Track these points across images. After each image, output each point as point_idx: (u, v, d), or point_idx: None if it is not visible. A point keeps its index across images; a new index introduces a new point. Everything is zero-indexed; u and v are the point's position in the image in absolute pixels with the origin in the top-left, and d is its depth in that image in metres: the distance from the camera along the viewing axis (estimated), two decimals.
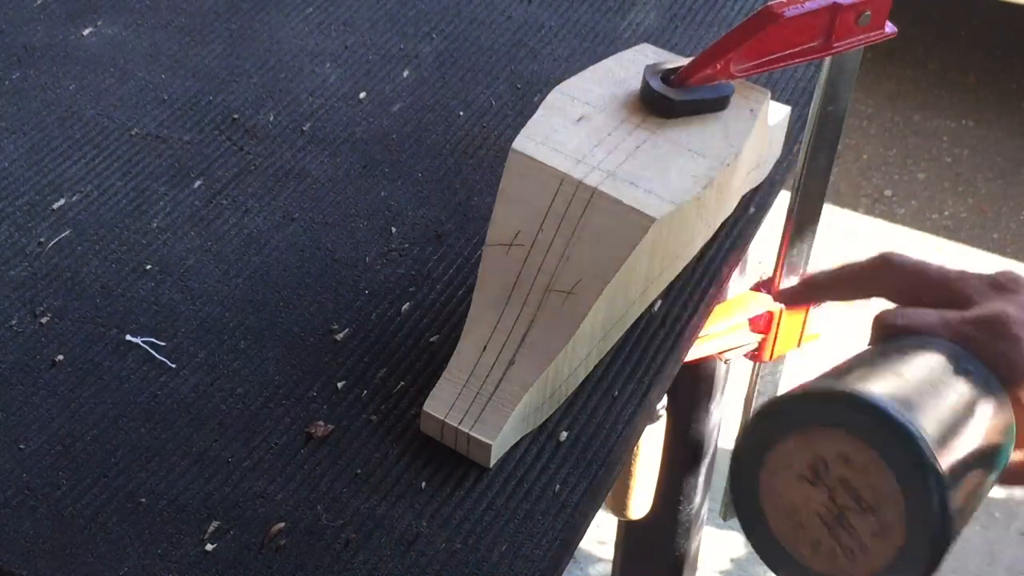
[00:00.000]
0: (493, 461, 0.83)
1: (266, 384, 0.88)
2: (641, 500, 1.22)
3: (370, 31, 1.20)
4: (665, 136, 0.91)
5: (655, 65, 0.95)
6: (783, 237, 1.08)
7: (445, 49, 1.18)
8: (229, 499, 0.81)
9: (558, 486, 0.82)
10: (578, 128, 0.91)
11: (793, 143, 1.07)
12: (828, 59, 0.95)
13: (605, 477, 0.84)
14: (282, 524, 0.80)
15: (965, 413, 0.64)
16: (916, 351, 0.67)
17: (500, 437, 0.82)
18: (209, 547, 0.78)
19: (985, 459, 0.65)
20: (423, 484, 0.82)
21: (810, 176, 1.03)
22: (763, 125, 0.97)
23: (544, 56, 1.18)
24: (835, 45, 0.91)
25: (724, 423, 1.46)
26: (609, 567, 2.01)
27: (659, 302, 0.94)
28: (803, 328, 1.17)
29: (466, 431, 0.82)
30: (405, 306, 0.94)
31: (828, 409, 0.62)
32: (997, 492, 2.18)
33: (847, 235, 2.71)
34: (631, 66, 0.97)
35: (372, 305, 0.94)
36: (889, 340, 0.69)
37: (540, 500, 0.82)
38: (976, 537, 2.11)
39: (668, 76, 0.94)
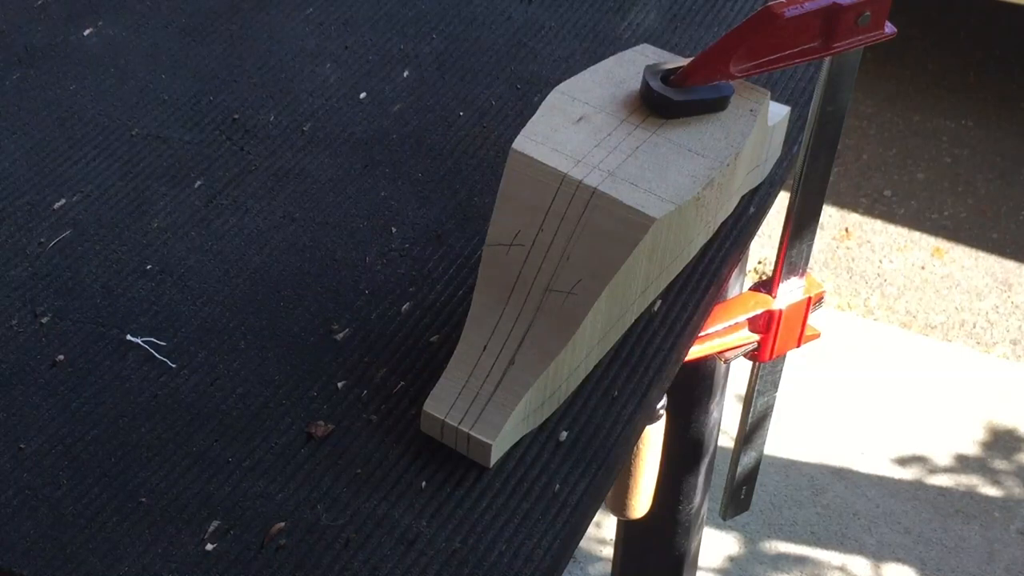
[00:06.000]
0: (493, 461, 0.83)
1: (266, 384, 0.88)
2: (641, 500, 1.22)
3: (370, 31, 1.20)
4: (665, 136, 0.91)
5: (655, 65, 0.95)
6: (783, 237, 1.08)
7: (445, 49, 1.18)
8: (229, 499, 0.81)
9: (558, 486, 0.82)
10: (578, 128, 0.91)
11: (793, 143, 1.08)
12: (828, 59, 0.95)
13: (605, 477, 0.84)
14: (282, 524, 0.80)
15: None
16: None
17: (500, 437, 0.82)
18: (209, 547, 0.78)
19: None
20: (423, 484, 0.82)
21: (810, 176, 1.03)
22: (763, 125, 0.97)
23: (544, 56, 1.18)
24: (835, 45, 0.91)
25: (724, 423, 1.46)
26: (609, 567, 2.01)
27: (659, 302, 0.94)
28: (803, 328, 1.17)
29: (466, 431, 0.82)
30: (405, 306, 0.94)
31: None
32: (997, 492, 2.18)
33: (847, 235, 2.71)
34: (631, 66, 0.97)
35: (372, 305, 0.94)
36: None
37: (540, 500, 0.82)
38: (976, 537, 2.12)
39: (668, 76, 0.94)
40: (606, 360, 0.90)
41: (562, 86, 0.95)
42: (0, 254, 0.96)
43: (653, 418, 1.14)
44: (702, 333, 1.07)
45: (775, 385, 1.24)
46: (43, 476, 0.82)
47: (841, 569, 2.07)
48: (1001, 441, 2.28)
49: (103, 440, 0.84)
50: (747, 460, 1.29)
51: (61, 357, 0.89)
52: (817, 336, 1.20)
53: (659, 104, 0.93)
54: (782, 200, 1.07)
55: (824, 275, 2.61)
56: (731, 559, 2.08)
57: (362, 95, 1.13)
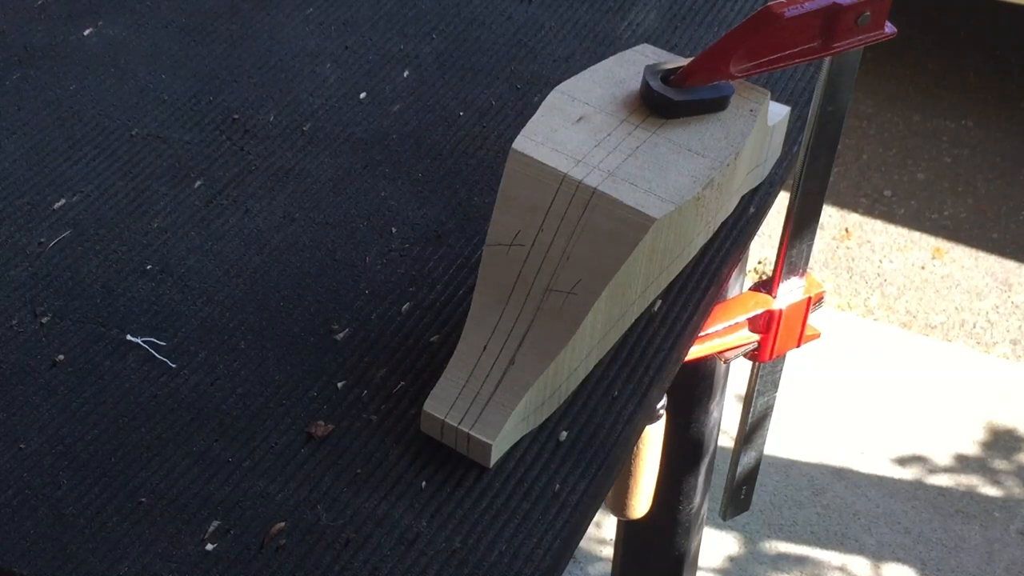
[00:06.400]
0: (493, 461, 0.83)
1: (266, 384, 0.88)
2: (641, 500, 1.22)
3: (370, 31, 1.20)
4: (665, 136, 0.91)
5: (655, 65, 0.95)
6: (783, 237, 1.08)
7: (445, 49, 1.18)
8: (229, 499, 0.81)
9: (558, 486, 0.82)
10: (578, 128, 0.91)
11: (793, 143, 1.08)
12: (828, 59, 0.95)
13: (605, 477, 0.84)
14: (282, 524, 0.80)
15: None
16: None
17: (500, 437, 0.82)
18: (209, 547, 0.78)
19: None
20: (423, 484, 0.82)
21: (810, 176, 1.03)
22: (763, 125, 0.97)
23: (544, 56, 1.18)
24: (835, 45, 0.91)
25: (724, 423, 1.46)
26: (609, 567, 2.01)
27: (659, 302, 0.94)
28: (803, 328, 1.17)
29: (466, 431, 0.82)
30: (405, 306, 0.94)
31: None
32: (997, 492, 2.18)
33: (847, 235, 2.71)
34: (631, 66, 0.97)
35: (372, 305, 0.94)
36: None
37: (540, 500, 0.82)
38: (976, 537, 2.12)
39: (668, 76, 0.94)
40: (606, 360, 0.90)
41: (562, 86, 0.95)
42: (0, 254, 0.96)
43: (653, 418, 1.14)
44: (702, 333, 1.07)
45: (775, 385, 1.24)
46: (43, 476, 0.82)
47: (841, 569, 2.07)
48: (1001, 441, 2.28)
49: (103, 440, 0.84)
50: (747, 460, 1.29)
51: (61, 357, 0.89)
52: (817, 336, 1.20)
53: (659, 104, 0.93)
54: (782, 200, 1.07)
55: (824, 275, 2.61)
56: (731, 559, 2.08)
57: (362, 95, 1.13)
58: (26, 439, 0.84)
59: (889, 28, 0.93)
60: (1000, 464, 2.24)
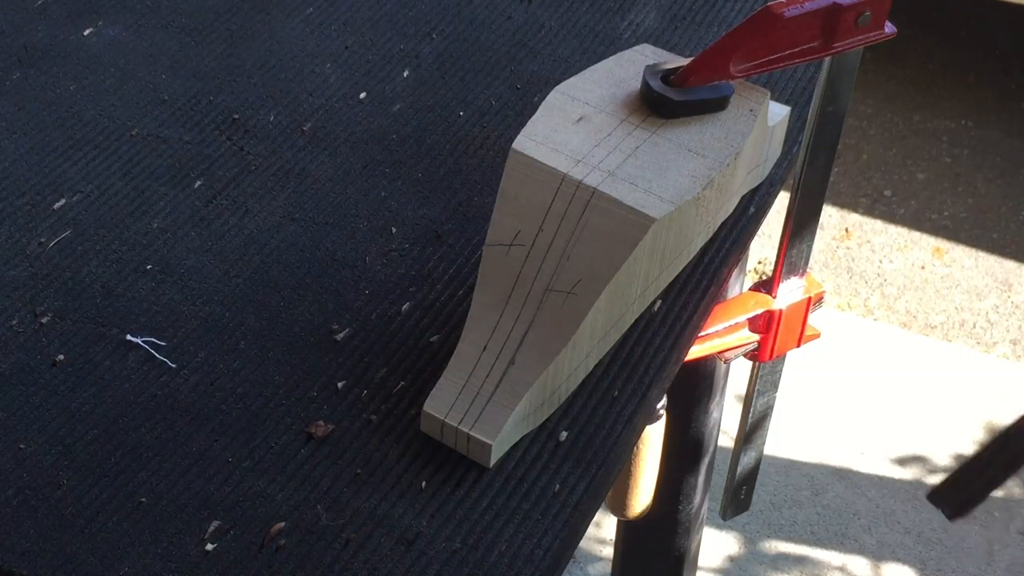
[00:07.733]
0: (493, 461, 0.83)
1: (266, 384, 0.88)
2: (641, 500, 1.22)
3: (370, 31, 1.20)
4: (665, 136, 0.91)
5: (655, 65, 0.95)
6: (783, 237, 1.08)
7: (445, 49, 1.18)
8: (229, 499, 0.81)
9: (558, 486, 0.82)
10: (578, 128, 0.91)
11: (793, 143, 1.08)
12: (828, 59, 0.95)
13: (605, 477, 0.84)
14: (282, 524, 0.80)
15: None
16: None
17: (500, 437, 0.82)
18: (209, 547, 0.78)
19: None
20: (423, 484, 0.82)
21: (810, 176, 1.03)
22: (763, 125, 0.97)
23: (544, 56, 1.18)
24: (835, 45, 0.91)
25: (724, 423, 1.46)
26: (609, 567, 2.01)
27: (659, 302, 0.94)
28: (803, 327, 1.17)
29: (466, 431, 0.82)
30: (405, 306, 0.94)
31: None
32: (997, 492, 2.18)
33: (847, 235, 2.71)
34: (631, 66, 0.97)
35: (372, 305, 0.94)
36: None
37: (540, 500, 0.82)
38: (976, 537, 2.12)
39: (668, 76, 0.94)
40: (606, 360, 0.90)
41: (562, 86, 0.95)
42: (0, 254, 0.96)
43: (653, 418, 1.14)
44: (702, 333, 1.07)
45: (775, 385, 1.24)
46: (43, 476, 0.82)
47: (841, 569, 2.07)
48: None
49: (103, 440, 0.84)
50: (747, 460, 1.29)
51: (61, 357, 0.89)
52: (817, 336, 1.20)
53: (659, 104, 0.93)
54: (782, 200, 1.07)
55: (824, 275, 2.61)
56: (731, 559, 2.08)
57: (362, 95, 1.13)
58: (26, 439, 0.84)
59: (889, 28, 0.93)
60: None
